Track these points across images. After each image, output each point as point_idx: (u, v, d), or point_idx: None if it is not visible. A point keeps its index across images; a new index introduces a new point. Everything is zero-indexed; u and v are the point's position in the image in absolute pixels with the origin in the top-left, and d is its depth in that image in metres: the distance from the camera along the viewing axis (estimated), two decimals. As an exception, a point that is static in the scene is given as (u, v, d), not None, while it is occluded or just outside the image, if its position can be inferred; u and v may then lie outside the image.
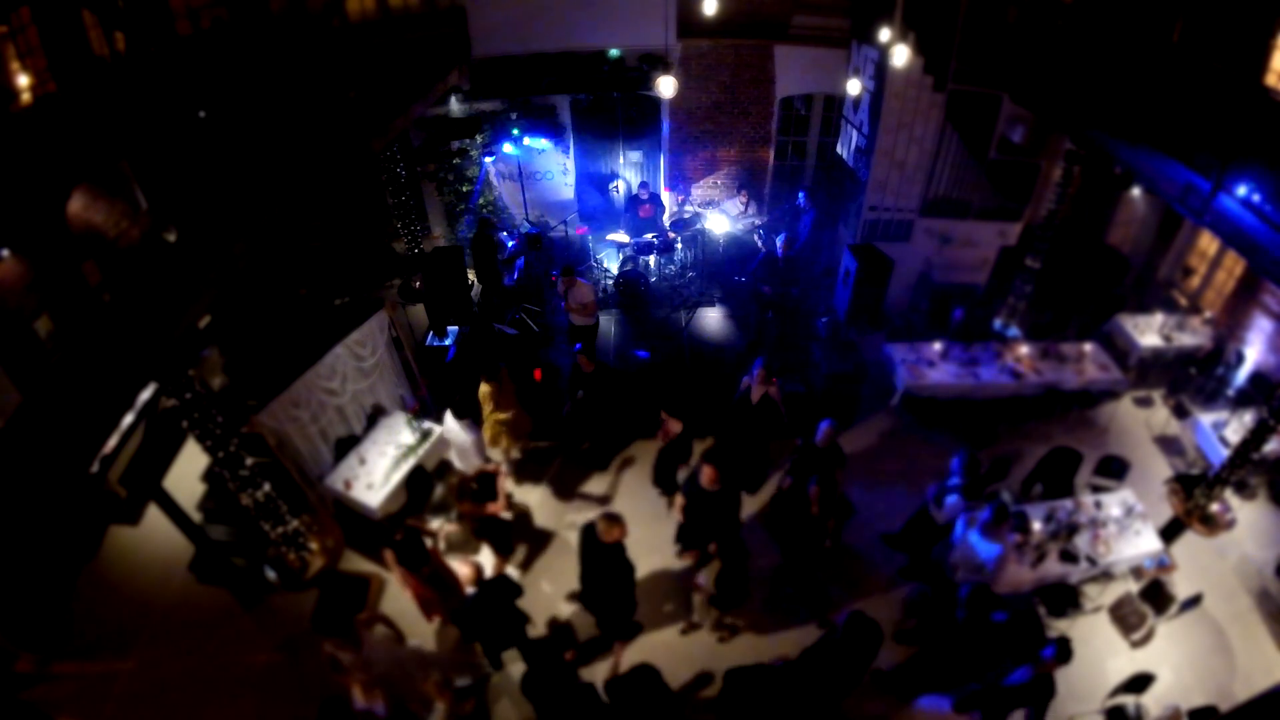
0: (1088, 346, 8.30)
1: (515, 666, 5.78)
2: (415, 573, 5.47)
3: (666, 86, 6.83)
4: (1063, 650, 4.70)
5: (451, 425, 6.65)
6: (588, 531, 5.28)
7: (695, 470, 5.71)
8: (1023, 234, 9.30)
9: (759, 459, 7.17)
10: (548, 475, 7.47)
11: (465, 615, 5.18)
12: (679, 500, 5.77)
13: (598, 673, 5.68)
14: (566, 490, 7.33)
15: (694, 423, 6.65)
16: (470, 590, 5.17)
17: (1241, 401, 7.67)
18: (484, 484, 6.01)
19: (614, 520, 5.04)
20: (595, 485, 7.38)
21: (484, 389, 6.69)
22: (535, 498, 7.24)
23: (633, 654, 5.71)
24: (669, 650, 5.86)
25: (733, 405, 6.76)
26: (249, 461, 5.69)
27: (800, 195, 9.97)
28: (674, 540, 6.37)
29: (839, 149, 10.15)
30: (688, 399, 6.76)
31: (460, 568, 5.18)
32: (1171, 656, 5.88)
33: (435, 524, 6.36)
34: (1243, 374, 8.12)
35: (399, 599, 6.18)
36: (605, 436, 7.47)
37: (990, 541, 5.30)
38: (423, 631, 6.01)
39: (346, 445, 6.89)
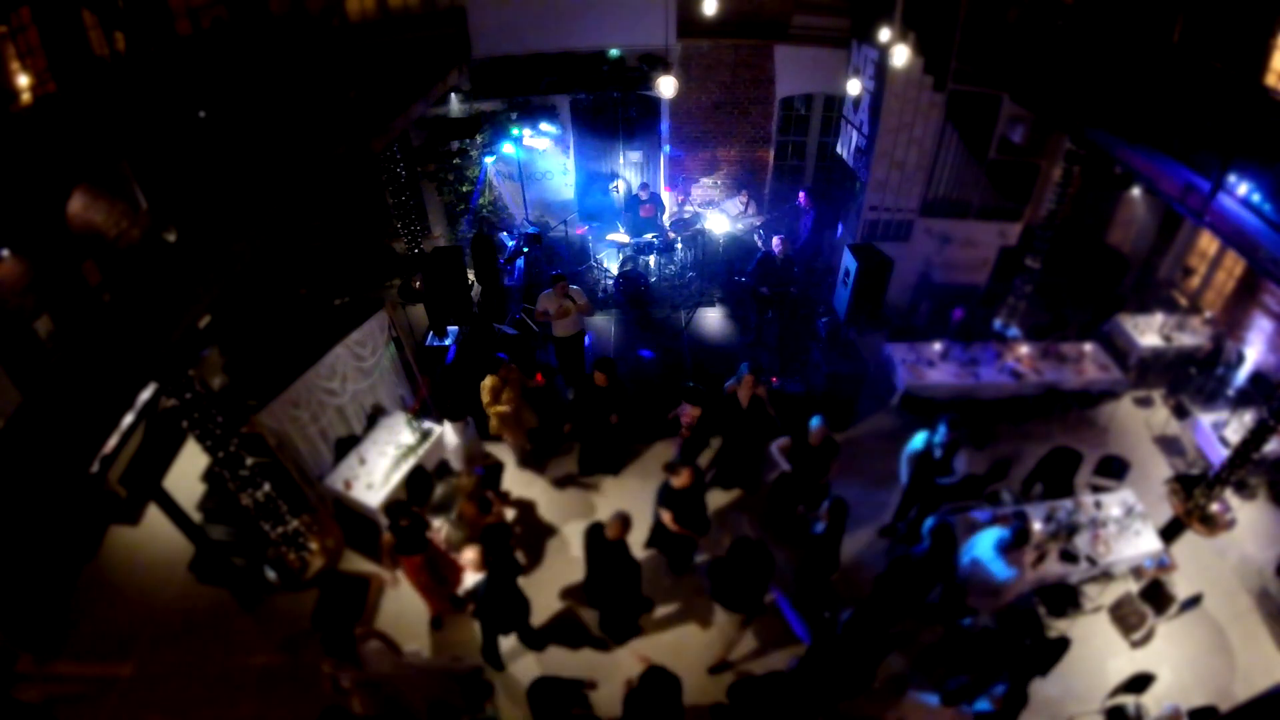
0: (1088, 346, 8.29)
1: (515, 667, 5.79)
2: (411, 558, 5.48)
3: (666, 86, 6.84)
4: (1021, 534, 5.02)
5: (447, 430, 6.65)
6: (593, 531, 5.31)
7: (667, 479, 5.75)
8: (1023, 234, 9.30)
9: (753, 461, 7.17)
10: (552, 476, 7.47)
11: (480, 600, 5.24)
12: (667, 515, 5.78)
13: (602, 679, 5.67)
14: (571, 491, 7.33)
15: (712, 409, 6.65)
16: (478, 576, 5.20)
17: (1241, 401, 7.67)
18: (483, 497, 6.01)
19: (620, 518, 5.16)
20: (599, 486, 7.38)
21: (486, 381, 6.70)
22: (539, 499, 7.24)
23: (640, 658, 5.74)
24: (674, 651, 5.86)
25: (720, 409, 6.75)
26: (249, 461, 5.69)
27: (800, 195, 9.97)
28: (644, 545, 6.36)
29: (839, 149, 10.14)
30: (702, 387, 6.73)
31: (466, 553, 5.19)
32: (1171, 656, 5.88)
33: (435, 524, 6.36)
34: (1243, 374, 8.13)
35: (399, 599, 6.20)
36: (614, 443, 7.45)
37: (1008, 565, 5.20)
38: (419, 633, 6.02)
39: (346, 445, 6.89)
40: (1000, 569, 5.21)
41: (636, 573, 5.45)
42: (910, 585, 5.57)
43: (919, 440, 6.15)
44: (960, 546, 5.86)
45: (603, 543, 5.26)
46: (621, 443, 7.47)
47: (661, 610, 6.20)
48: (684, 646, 5.95)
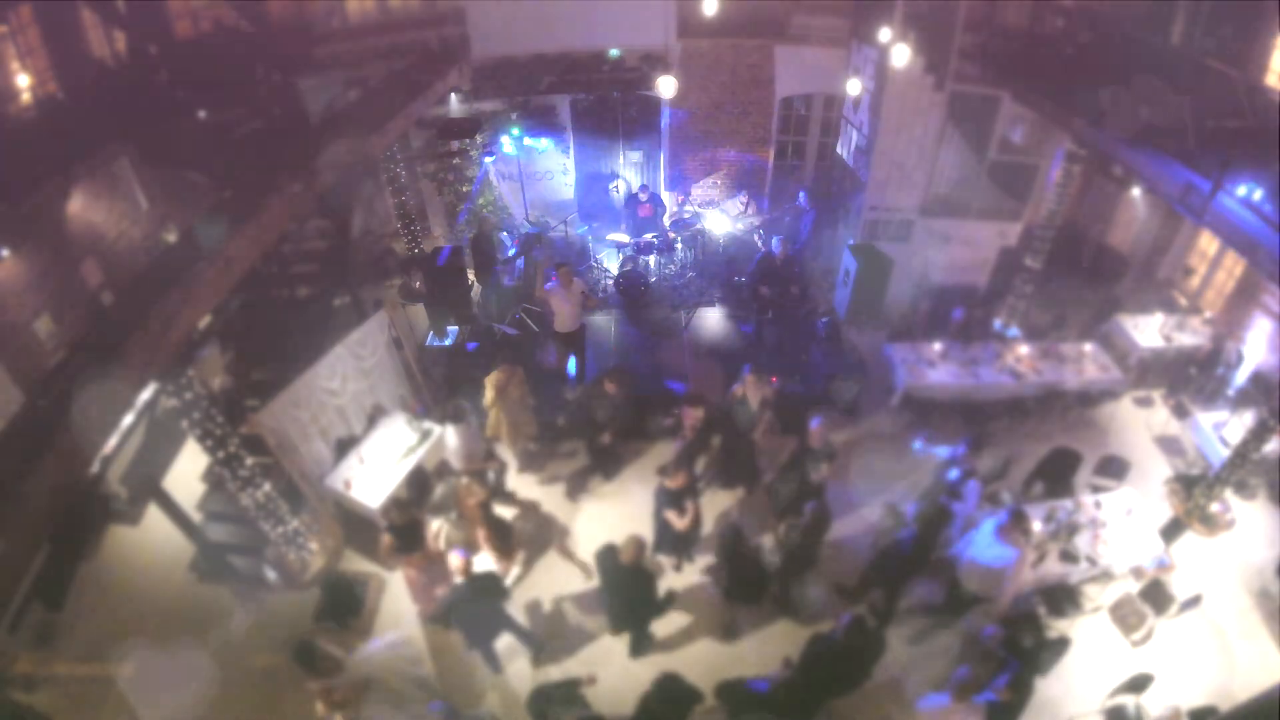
0: (1088, 346, 8.28)
1: (513, 669, 5.79)
2: (408, 556, 5.48)
3: (666, 86, 6.84)
4: (1018, 520, 5.09)
5: (447, 430, 6.64)
6: (606, 554, 5.28)
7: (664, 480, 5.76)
8: (1023, 234, 9.30)
9: (753, 460, 7.17)
10: (554, 477, 7.47)
11: (445, 604, 5.22)
12: (674, 515, 5.80)
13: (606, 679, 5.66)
14: (573, 492, 7.31)
15: (713, 411, 6.63)
16: (458, 580, 5.18)
17: (1241, 401, 7.66)
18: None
19: (635, 542, 5.11)
20: (602, 487, 7.37)
21: (491, 376, 6.70)
22: (541, 499, 7.23)
23: (646, 662, 5.76)
24: (679, 657, 5.87)
25: (726, 412, 6.74)
26: (249, 461, 5.69)
27: (800, 195, 9.97)
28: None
29: (839, 149, 10.15)
30: (702, 389, 6.73)
31: (453, 557, 5.19)
32: (1171, 656, 5.88)
33: (435, 524, 6.35)
34: (1243, 374, 8.12)
35: (399, 599, 6.19)
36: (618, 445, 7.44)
37: (1006, 547, 5.18)
38: (418, 632, 6.02)
39: (346, 445, 6.89)
40: (999, 553, 5.19)
41: (654, 586, 5.44)
42: (899, 569, 5.58)
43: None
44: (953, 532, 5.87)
45: (619, 566, 5.17)
46: (625, 445, 7.47)
47: (666, 614, 6.18)
48: (690, 651, 5.96)
